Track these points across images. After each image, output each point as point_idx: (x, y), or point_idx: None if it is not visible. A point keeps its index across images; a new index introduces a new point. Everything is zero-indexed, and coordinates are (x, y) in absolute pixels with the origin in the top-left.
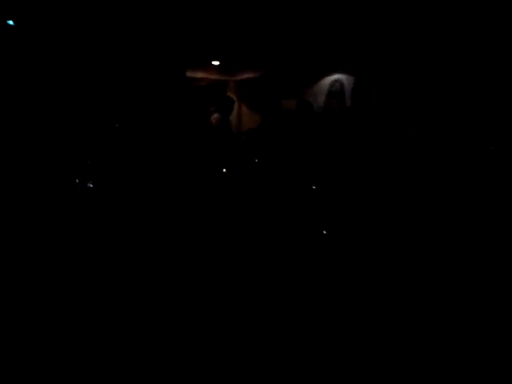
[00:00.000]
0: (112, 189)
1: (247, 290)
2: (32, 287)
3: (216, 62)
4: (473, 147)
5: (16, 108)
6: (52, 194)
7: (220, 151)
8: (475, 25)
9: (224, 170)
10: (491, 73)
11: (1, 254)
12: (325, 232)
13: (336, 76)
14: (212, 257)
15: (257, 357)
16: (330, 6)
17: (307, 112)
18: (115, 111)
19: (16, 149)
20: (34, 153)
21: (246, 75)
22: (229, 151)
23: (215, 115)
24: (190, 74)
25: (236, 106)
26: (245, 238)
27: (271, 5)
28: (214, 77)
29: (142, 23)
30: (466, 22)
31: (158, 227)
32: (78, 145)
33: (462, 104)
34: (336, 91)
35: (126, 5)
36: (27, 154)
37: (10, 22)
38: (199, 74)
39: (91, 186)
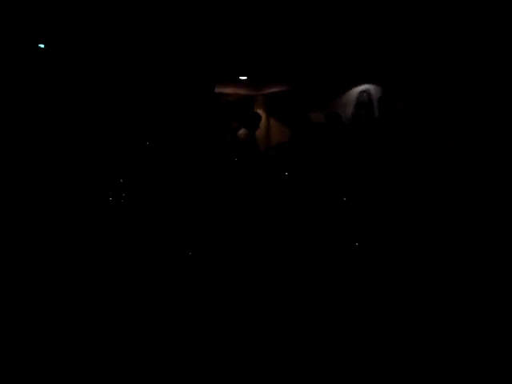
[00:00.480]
0: (142, 204)
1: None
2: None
3: (244, 77)
4: (503, 153)
5: (52, 125)
6: (86, 210)
7: (248, 166)
8: (504, 36)
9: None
10: None
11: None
12: (357, 244)
13: (363, 86)
14: (244, 271)
15: (258, 356)
16: (356, 18)
17: (336, 124)
18: (145, 129)
19: (50, 165)
20: (68, 169)
21: (274, 89)
22: (256, 166)
23: (242, 130)
24: (218, 89)
25: (264, 120)
26: (276, 250)
27: (298, 18)
28: (242, 91)
29: (171, 41)
30: (494, 34)
31: (186, 241)
32: (110, 162)
33: (491, 109)
34: (364, 102)
35: (157, 22)
36: (61, 170)
37: (41, 46)
38: (227, 90)
39: (122, 202)
